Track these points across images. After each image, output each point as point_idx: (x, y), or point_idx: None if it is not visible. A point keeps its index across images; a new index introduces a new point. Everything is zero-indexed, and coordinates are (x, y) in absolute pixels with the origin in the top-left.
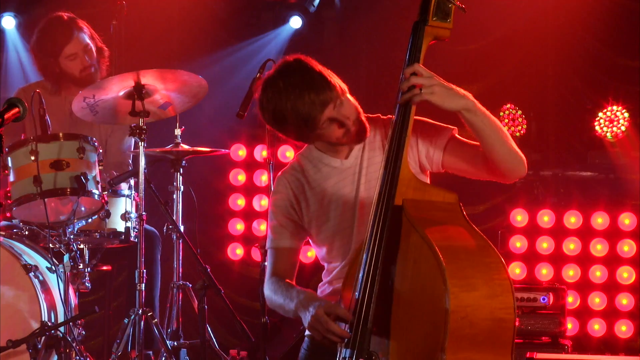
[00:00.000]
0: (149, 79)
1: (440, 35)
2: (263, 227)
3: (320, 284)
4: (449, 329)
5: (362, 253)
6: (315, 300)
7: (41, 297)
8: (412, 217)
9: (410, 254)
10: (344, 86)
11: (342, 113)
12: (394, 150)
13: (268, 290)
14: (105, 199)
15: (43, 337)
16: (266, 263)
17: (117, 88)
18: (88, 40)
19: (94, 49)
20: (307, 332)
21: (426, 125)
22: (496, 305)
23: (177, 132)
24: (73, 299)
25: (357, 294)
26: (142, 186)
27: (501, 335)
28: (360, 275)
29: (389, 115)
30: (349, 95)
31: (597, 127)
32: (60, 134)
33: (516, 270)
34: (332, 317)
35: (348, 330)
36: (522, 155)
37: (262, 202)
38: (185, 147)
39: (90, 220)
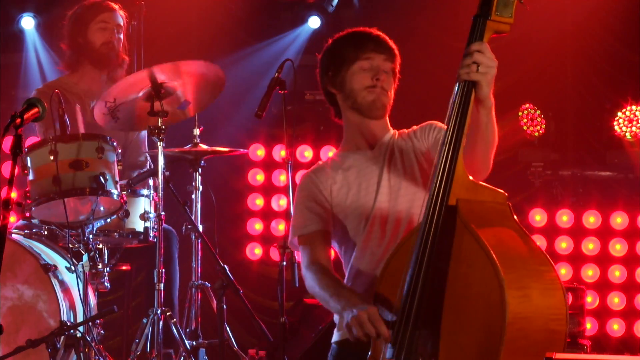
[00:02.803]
0: (164, 75)
1: (501, 30)
2: (282, 227)
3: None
4: (504, 340)
5: (407, 252)
6: (361, 303)
7: (60, 296)
8: (467, 219)
9: (463, 257)
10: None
11: (382, 73)
12: (451, 145)
13: (311, 279)
14: (124, 198)
15: (62, 337)
16: (287, 255)
17: (136, 89)
18: (122, 23)
19: (122, 38)
20: (334, 339)
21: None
22: (550, 317)
23: (196, 132)
24: (92, 299)
25: (404, 293)
26: (161, 186)
27: (553, 346)
28: (409, 274)
29: (412, 126)
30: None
31: (616, 127)
32: (80, 134)
33: None
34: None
35: (392, 333)
36: (490, 166)
37: (280, 202)
38: (204, 147)
39: (109, 220)
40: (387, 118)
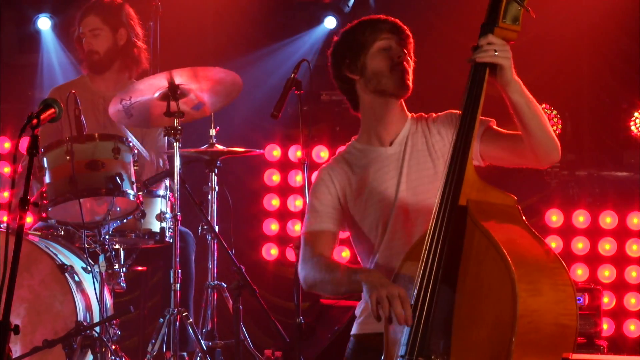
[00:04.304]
0: (182, 78)
1: (509, 38)
2: (297, 227)
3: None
4: (516, 333)
5: (422, 251)
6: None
7: (77, 297)
8: (477, 218)
9: (473, 255)
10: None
11: (399, 53)
12: (460, 148)
13: (310, 268)
14: (141, 199)
15: (78, 337)
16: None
17: (152, 89)
18: (99, 26)
19: (107, 38)
20: (353, 332)
21: None
22: (560, 311)
23: (212, 132)
24: (108, 299)
25: (415, 294)
26: (177, 186)
27: (564, 341)
28: (420, 274)
29: (431, 113)
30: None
31: (632, 127)
32: (96, 135)
33: None
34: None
35: (407, 330)
36: (557, 141)
37: (296, 203)
38: (220, 147)
39: (125, 220)
40: (404, 102)
